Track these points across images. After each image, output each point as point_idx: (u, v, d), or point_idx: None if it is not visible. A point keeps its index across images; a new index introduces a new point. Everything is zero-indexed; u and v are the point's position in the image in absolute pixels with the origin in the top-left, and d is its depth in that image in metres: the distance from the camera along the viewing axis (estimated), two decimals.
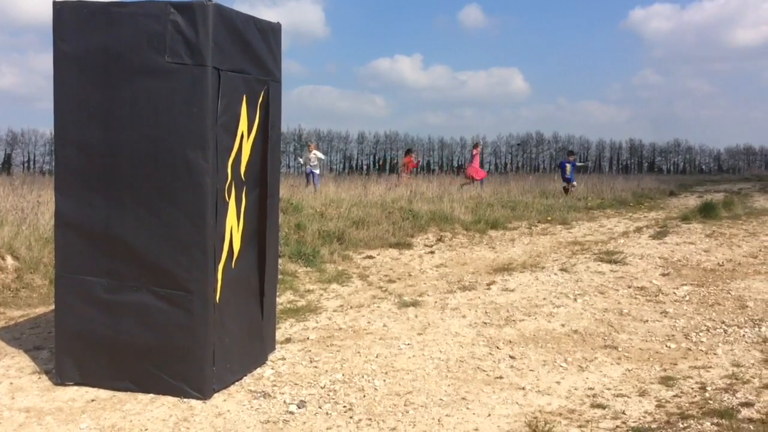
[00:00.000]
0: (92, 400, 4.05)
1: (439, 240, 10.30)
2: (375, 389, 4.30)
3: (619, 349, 5.15)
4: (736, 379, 4.45)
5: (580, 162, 26.58)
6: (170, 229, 4.00)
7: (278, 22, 4.61)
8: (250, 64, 4.28)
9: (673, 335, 5.50)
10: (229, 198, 4.15)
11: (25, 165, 75.41)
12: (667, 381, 4.45)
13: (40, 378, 4.40)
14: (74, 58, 4.08)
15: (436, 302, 6.50)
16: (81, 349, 4.19)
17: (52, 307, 4.44)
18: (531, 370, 4.69)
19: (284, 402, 4.06)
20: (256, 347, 4.62)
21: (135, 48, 3.95)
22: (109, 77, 4.02)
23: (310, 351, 5.01)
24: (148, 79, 3.96)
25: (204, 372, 4.07)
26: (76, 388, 4.20)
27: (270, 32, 4.51)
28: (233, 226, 4.22)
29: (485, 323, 5.81)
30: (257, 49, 4.34)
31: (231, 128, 4.13)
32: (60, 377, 4.25)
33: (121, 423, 3.74)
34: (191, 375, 4.06)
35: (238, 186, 4.23)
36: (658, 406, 4.02)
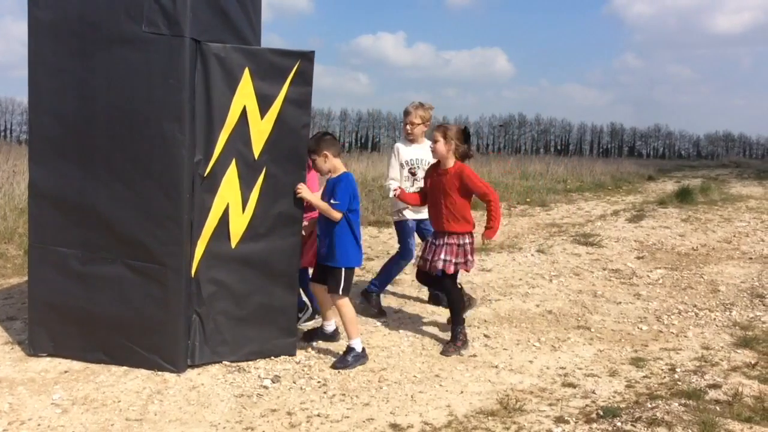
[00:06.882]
0: (65, 372, 4.03)
1: None
2: None
3: (592, 330, 5.21)
4: (705, 361, 4.52)
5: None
6: (145, 201, 3.96)
7: None
8: (229, 36, 4.21)
9: (645, 317, 5.58)
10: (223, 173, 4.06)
11: (2, 134, 74.22)
12: (637, 362, 4.51)
13: (12, 348, 4.37)
14: (49, 26, 4.00)
15: (413, 280, 6.51)
16: (54, 320, 4.16)
17: (26, 277, 4.40)
18: (504, 349, 4.74)
19: (259, 377, 4.06)
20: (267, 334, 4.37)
21: (112, 17, 3.88)
22: (84, 46, 3.95)
23: None
24: (125, 49, 3.89)
25: (178, 345, 4.06)
26: (49, 359, 4.18)
27: (249, 3, 4.43)
28: (230, 203, 4.11)
29: None
30: (236, 20, 4.27)
31: None
32: (33, 348, 4.23)
33: (94, 394, 3.72)
34: (165, 348, 4.05)
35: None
36: (628, 387, 4.08)
